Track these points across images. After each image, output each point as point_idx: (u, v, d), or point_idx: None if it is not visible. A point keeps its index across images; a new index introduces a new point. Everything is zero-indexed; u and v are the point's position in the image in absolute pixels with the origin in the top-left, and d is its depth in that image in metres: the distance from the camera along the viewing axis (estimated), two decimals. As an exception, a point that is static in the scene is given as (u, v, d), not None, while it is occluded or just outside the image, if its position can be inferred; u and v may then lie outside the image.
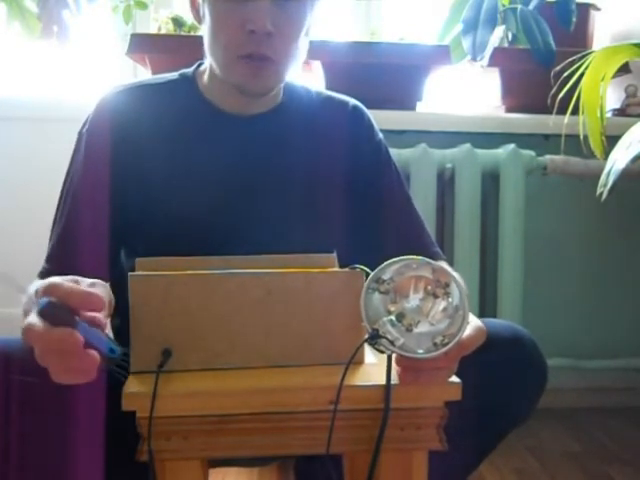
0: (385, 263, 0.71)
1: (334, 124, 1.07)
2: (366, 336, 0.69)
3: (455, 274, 0.72)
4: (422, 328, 0.70)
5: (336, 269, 0.81)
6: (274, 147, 1.03)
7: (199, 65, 1.07)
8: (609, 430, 1.86)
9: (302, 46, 0.99)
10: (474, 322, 0.73)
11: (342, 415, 0.70)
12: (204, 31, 0.98)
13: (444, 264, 1.05)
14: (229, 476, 1.50)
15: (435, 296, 0.71)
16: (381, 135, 1.11)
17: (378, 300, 0.71)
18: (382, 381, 0.70)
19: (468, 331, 0.70)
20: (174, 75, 1.07)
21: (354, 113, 1.10)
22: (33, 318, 0.64)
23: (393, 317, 0.70)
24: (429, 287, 0.71)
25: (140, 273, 0.75)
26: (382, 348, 0.70)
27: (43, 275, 0.97)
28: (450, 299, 0.70)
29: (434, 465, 0.75)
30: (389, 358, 0.70)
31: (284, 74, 0.99)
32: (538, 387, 0.94)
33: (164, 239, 0.98)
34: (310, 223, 1.02)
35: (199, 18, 1.01)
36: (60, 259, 0.98)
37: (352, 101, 1.12)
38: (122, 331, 1.08)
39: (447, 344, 0.68)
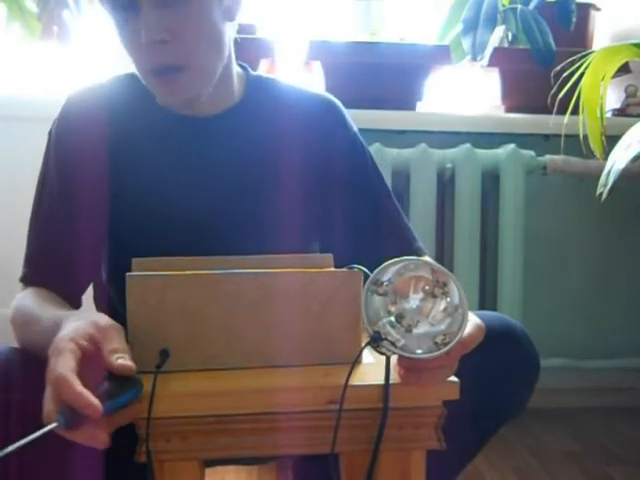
0: (384, 264, 0.71)
1: (305, 118, 1.03)
2: (367, 338, 0.69)
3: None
4: (422, 328, 0.70)
5: (334, 269, 0.81)
6: (231, 147, 1.00)
7: None
8: (609, 430, 1.85)
9: (221, 39, 0.93)
10: (472, 320, 0.73)
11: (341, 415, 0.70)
12: None
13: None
14: (229, 476, 1.50)
15: (434, 296, 0.70)
16: (356, 129, 1.07)
17: (378, 302, 0.70)
18: (380, 381, 0.70)
19: (468, 329, 0.70)
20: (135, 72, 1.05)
21: (325, 106, 1.06)
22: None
23: (393, 318, 0.70)
24: (427, 287, 0.71)
25: (137, 273, 0.75)
26: (384, 350, 0.69)
27: (26, 280, 0.96)
28: (449, 298, 0.70)
29: (428, 459, 0.74)
30: (387, 358, 0.70)
31: (207, 77, 0.94)
32: (532, 378, 0.94)
33: (136, 238, 0.97)
34: (285, 220, 0.99)
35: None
36: (42, 263, 0.96)
37: (324, 95, 1.08)
38: None
39: (448, 343, 0.68)
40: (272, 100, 1.03)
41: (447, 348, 0.67)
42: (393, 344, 0.68)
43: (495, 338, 0.89)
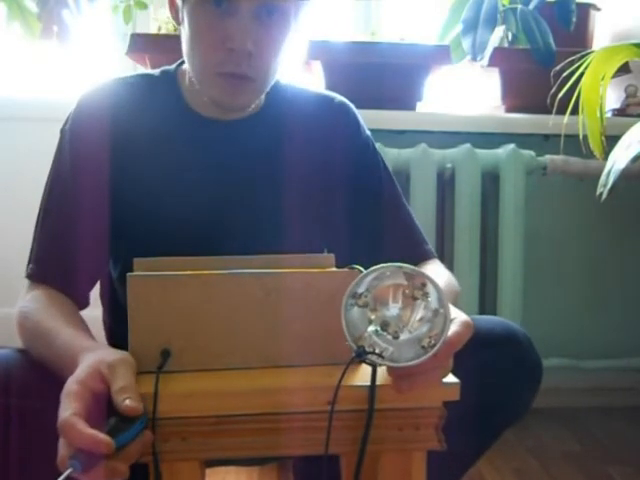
0: (358, 277, 0.70)
1: (319, 122, 1.05)
2: (353, 354, 0.68)
3: (430, 274, 0.70)
4: (407, 333, 0.69)
5: (335, 269, 0.81)
6: (254, 153, 1.01)
7: (182, 62, 1.03)
8: (609, 430, 1.85)
9: (284, 57, 0.96)
10: (459, 317, 0.71)
11: (340, 415, 0.69)
12: (182, 36, 0.95)
13: (435, 263, 1.04)
14: (229, 476, 1.50)
15: (414, 298, 0.70)
16: (368, 132, 1.09)
17: (358, 314, 0.70)
18: (379, 381, 0.70)
19: (454, 327, 0.69)
20: (156, 72, 1.05)
21: (339, 110, 1.07)
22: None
23: (378, 327, 0.69)
24: (406, 291, 0.70)
25: (139, 273, 0.75)
26: (371, 363, 0.69)
27: (32, 278, 0.95)
28: (429, 298, 0.70)
29: (431, 463, 0.74)
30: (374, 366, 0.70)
31: (264, 89, 0.97)
32: (534, 383, 0.94)
33: (148, 239, 0.97)
34: (298, 223, 1.00)
35: (178, 19, 0.97)
36: (51, 261, 0.95)
37: (338, 97, 1.09)
38: (116, 332, 1.07)
39: (435, 345, 0.67)
40: (288, 104, 1.05)
41: (433, 351, 0.67)
42: (380, 354, 0.68)
43: (498, 343, 0.90)
